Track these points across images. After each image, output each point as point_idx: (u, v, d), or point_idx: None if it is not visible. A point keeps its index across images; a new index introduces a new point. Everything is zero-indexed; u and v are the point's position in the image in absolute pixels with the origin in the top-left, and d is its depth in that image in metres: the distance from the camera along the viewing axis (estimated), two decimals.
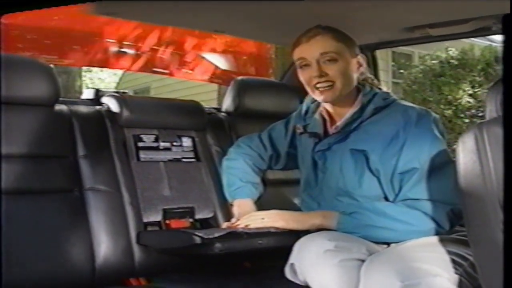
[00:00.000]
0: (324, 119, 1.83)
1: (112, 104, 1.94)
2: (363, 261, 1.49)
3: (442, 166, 1.60)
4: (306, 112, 1.92)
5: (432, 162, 1.60)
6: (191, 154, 2.01)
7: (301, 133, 1.89)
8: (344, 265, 1.46)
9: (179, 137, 2.00)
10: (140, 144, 1.91)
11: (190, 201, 1.92)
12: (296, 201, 2.11)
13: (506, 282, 1.00)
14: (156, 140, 1.95)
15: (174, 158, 1.96)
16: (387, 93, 1.79)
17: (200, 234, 1.58)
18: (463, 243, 1.49)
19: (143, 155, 1.90)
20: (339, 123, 1.77)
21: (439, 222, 1.56)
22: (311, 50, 1.72)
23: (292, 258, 1.55)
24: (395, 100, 1.76)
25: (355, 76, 1.76)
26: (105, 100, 1.97)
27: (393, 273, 1.37)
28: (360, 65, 1.77)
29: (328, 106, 1.81)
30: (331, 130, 1.79)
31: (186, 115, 2.08)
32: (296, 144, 1.93)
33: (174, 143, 1.98)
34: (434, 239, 1.55)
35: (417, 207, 1.58)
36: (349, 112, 1.75)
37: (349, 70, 1.74)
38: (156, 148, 1.94)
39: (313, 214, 1.72)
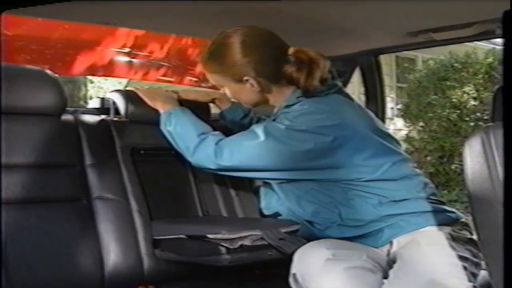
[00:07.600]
0: None
1: (117, 99, 1.93)
2: (364, 268, 1.49)
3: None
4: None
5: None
6: None
7: None
8: (347, 275, 1.45)
9: None
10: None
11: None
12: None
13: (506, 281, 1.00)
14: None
15: None
16: (306, 91, 1.70)
17: (225, 245, 1.57)
18: (460, 241, 1.54)
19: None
20: None
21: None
22: None
23: (293, 268, 1.55)
24: (308, 99, 1.70)
25: (255, 96, 1.75)
26: (110, 95, 1.97)
27: None
28: (252, 86, 1.72)
29: None
30: None
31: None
32: None
33: None
34: (439, 239, 1.55)
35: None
36: None
37: (241, 93, 1.77)
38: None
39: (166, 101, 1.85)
